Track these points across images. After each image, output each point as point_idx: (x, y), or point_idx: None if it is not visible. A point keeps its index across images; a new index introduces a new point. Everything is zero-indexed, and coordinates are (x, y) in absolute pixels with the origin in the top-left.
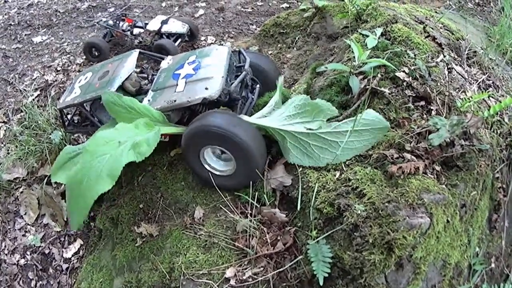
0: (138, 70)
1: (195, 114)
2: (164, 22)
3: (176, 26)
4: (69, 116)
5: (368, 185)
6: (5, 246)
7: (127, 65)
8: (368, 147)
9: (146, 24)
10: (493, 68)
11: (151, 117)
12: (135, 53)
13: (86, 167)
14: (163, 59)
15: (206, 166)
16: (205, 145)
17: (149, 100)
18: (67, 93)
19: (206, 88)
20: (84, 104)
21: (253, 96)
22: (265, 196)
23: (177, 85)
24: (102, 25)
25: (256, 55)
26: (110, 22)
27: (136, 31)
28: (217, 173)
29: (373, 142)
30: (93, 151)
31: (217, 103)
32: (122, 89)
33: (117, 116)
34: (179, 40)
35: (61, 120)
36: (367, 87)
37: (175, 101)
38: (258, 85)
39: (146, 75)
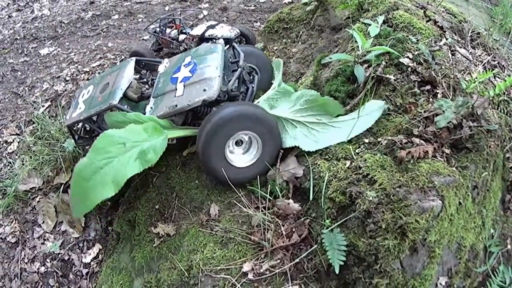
0: (137, 76)
1: (198, 114)
2: (210, 27)
3: (223, 30)
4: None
5: (378, 171)
6: (24, 255)
7: (126, 74)
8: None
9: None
10: (497, 48)
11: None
12: (132, 62)
13: (92, 166)
14: (160, 63)
15: (233, 163)
16: (234, 132)
17: (151, 108)
18: (72, 109)
19: (204, 90)
20: (91, 118)
21: (253, 85)
22: (277, 188)
23: (176, 89)
24: (150, 33)
25: (247, 47)
26: (158, 29)
27: (181, 37)
28: (247, 164)
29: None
30: (100, 149)
31: (218, 101)
32: (124, 98)
33: None
34: (227, 46)
35: (71, 136)
36: (372, 75)
37: (176, 106)
38: (256, 74)
39: (146, 81)
